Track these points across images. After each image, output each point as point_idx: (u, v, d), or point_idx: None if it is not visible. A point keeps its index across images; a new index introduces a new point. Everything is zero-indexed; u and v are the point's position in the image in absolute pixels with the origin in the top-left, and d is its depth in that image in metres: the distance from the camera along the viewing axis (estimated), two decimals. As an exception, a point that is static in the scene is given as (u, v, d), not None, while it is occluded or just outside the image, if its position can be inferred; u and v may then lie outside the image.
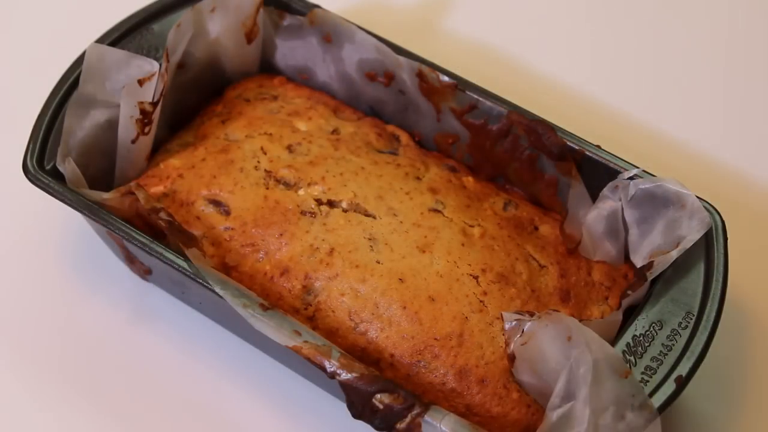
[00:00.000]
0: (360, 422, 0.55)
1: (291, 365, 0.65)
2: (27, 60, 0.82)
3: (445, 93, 0.67)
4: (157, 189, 0.66)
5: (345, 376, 0.55)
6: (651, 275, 0.60)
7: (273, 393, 0.65)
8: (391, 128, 0.70)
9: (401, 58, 0.67)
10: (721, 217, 0.60)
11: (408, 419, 0.54)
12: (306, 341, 0.56)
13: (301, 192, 0.64)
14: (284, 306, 0.61)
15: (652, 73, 0.81)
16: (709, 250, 0.59)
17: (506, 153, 0.67)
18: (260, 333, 0.57)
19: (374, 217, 0.63)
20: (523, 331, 0.58)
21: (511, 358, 0.58)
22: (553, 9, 0.85)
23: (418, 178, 0.66)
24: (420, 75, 0.67)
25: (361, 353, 0.60)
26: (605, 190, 0.62)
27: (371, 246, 0.62)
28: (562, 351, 0.55)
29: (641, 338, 0.58)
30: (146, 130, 0.66)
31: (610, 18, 0.85)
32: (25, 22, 0.85)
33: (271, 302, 0.59)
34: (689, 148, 0.76)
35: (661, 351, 0.57)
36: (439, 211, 0.64)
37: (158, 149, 0.69)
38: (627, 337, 0.59)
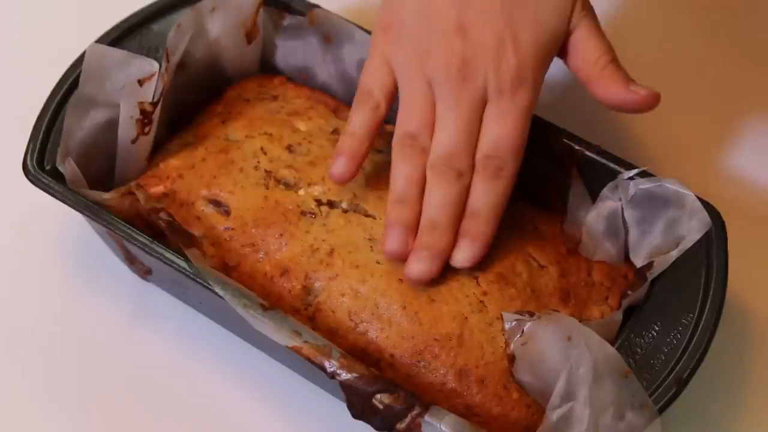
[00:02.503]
0: (360, 422, 0.55)
1: (291, 365, 0.65)
2: (27, 60, 0.82)
3: (445, 93, 0.67)
4: (157, 189, 0.66)
5: (345, 376, 0.55)
6: (651, 275, 0.60)
7: (273, 393, 0.65)
8: (390, 128, 0.70)
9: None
10: (721, 217, 0.60)
11: (408, 419, 0.54)
12: (306, 341, 0.56)
13: (301, 192, 0.64)
14: (284, 306, 0.61)
15: (651, 73, 0.81)
16: (709, 250, 0.59)
17: (506, 153, 0.67)
18: (260, 333, 0.57)
19: (374, 218, 0.63)
20: (523, 332, 0.58)
21: (511, 358, 0.58)
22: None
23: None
24: (420, 75, 0.67)
25: (361, 353, 0.60)
26: (605, 190, 0.62)
27: (371, 246, 0.62)
28: (562, 351, 0.55)
29: (641, 338, 0.58)
30: (146, 130, 0.66)
31: (608, 17, 0.84)
32: (25, 22, 0.85)
33: (271, 302, 0.59)
34: (689, 148, 0.76)
35: (661, 351, 0.57)
36: (439, 211, 0.64)
37: (158, 149, 0.69)
38: (627, 337, 0.59)
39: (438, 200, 0.60)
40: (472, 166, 0.60)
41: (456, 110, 0.59)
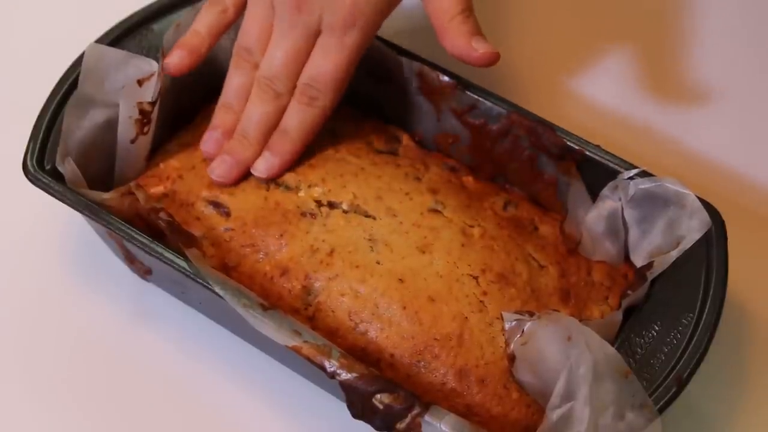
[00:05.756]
0: (360, 422, 0.55)
1: (291, 365, 0.65)
2: (27, 60, 0.82)
3: (445, 93, 0.67)
4: (157, 189, 0.66)
5: (345, 376, 0.55)
6: (651, 275, 0.60)
7: (273, 393, 0.65)
8: (391, 128, 0.70)
9: (402, 58, 0.67)
10: (720, 216, 0.60)
11: (408, 419, 0.54)
12: (306, 341, 0.56)
13: (301, 194, 0.64)
14: (284, 306, 0.61)
15: (651, 73, 0.81)
16: (709, 249, 0.59)
17: (506, 153, 0.67)
18: (260, 333, 0.57)
19: (374, 218, 0.63)
20: (523, 331, 0.58)
21: (511, 358, 0.58)
22: (548, 10, 0.85)
23: (418, 179, 0.66)
24: (420, 75, 0.67)
25: (361, 353, 0.60)
26: (605, 190, 0.62)
27: (371, 247, 0.62)
28: (562, 351, 0.55)
29: (641, 338, 0.58)
30: (145, 129, 0.66)
31: (606, 17, 0.84)
32: (25, 22, 0.85)
33: (271, 302, 0.59)
34: (689, 149, 0.76)
35: (660, 351, 0.57)
36: (438, 212, 0.64)
37: (158, 149, 0.69)
38: (627, 337, 0.59)
39: (253, 114, 0.65)
40: (293, 90, 0.64)
41: (288, 36, 0.64)
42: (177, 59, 0.65)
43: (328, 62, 0.63)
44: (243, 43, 0.66)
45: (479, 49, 0.61)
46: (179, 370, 0.66)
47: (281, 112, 0.65)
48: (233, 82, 0.66)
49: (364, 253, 0.62)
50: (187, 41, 0.66)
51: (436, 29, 0.63)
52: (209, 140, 0.66)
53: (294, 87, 0.64)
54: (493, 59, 0.62)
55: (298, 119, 0.64)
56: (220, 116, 0.66)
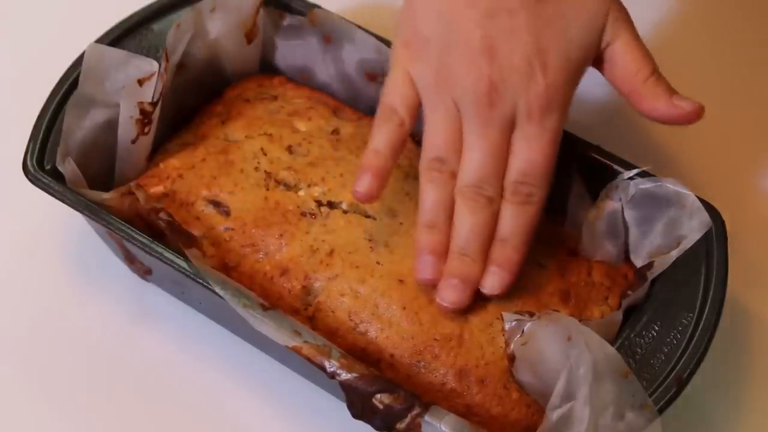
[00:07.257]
0: (360, 422, 0.55)
1: (291, 365, 0.65)
2: (27, 60, 0.82)
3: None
4: (157, 189, 0.66)
5: (345, 376, 0.55)
6: (651, 275, 0.60)
7: (273, 393, 0.65)
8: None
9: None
10: (721, 216, 0.60)
11: (408, 419, 0.54)
12: (306, 341, 0.56)
13: (301, 193, 0.64)
14: (284, 306, 0.61)
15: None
16: (709, 250, 0.59)
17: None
18: (260, 333, 0.57)
19: (374, 218, 0.63)
20: (523, 332, 0.58)
21: (511, 358, 0.58)
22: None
23: (418, 179, 0.66)
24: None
25: (361, 353, 0.60)
26: (605, 190, 0.62)
27: (371, 247, 0.62)
28: (562, 351, 0.55)
29: (641, 338, 0.58)
30: (146, 130, 0.66)
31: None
32: (24, 21, 0.85)
33: (271, 302, 0.59)
34: (689, 149, 0.76)
35: (660, 351, 0.57)
36: (439, 212, 0.64)
37: (158, 149, 0.69)
38: (627, 337, 0.59)
39: (468, 227, 0.59)
40: (501, 191, 0.59)
41: (484, 135, 0.58)
42: (367, 186, 0.59)
43: (535, 153, 0.58)
44: (433, 155, 0.59)
45: (685, 107, 0.58)
46: (179, 370, 0.66)
47: (495, 217, 0.59)
48: (430, 198, 0.59)
49: (364, 253, 0.62)
50: (371, 163, 0.60)
51: (629, 94, 0.59)
52: (425, 267, 0.59)
53: (502, 188, 0.59)
54: (701, 113, 0.58)
55: (517, 222, 0.59)
56: (427, 238, 0.59)
